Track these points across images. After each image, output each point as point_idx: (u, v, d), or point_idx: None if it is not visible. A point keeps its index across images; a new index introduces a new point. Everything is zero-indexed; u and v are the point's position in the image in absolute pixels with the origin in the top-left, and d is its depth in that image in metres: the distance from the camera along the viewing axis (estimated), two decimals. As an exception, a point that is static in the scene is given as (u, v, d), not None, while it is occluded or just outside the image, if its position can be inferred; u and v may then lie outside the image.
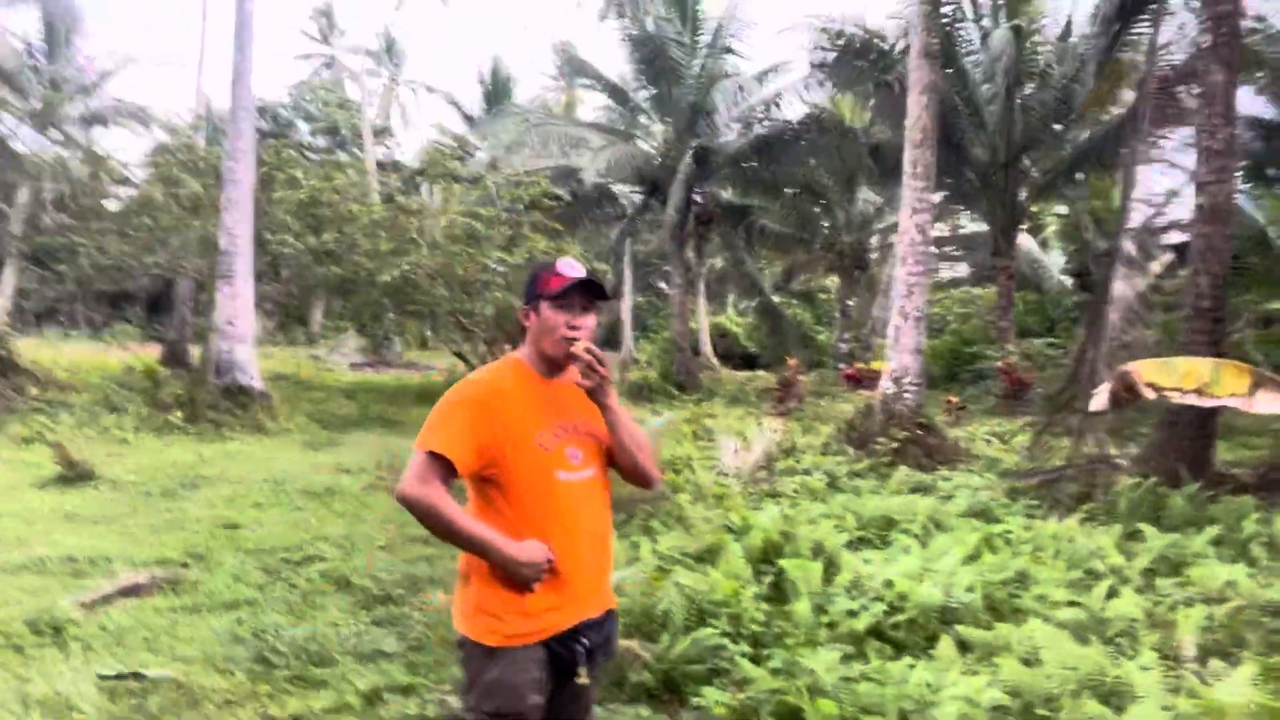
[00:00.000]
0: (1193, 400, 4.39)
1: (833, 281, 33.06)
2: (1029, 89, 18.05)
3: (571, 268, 2.26)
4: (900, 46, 15.42)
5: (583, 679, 2.24)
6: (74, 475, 7.99)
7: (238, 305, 12.36)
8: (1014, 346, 16.27)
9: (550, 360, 2.27)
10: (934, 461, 9.23)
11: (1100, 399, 4.86)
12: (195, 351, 20.08)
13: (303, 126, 44.10)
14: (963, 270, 31.53)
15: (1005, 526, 6.21)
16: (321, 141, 42.45)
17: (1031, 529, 6.25)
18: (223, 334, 12.35)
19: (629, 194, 23.60)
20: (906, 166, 9.89)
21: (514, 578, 2.14)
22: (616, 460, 2.38)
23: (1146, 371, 4.53)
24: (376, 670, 4.08)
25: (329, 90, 44.78)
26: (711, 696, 3.49)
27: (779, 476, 8.74)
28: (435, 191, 19.64)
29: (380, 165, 25.69)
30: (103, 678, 3.82)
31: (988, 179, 18.56)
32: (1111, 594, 4.79)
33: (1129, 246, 7.59)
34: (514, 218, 16.06)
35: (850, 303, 24.13)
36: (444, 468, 2.10)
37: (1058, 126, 18.97)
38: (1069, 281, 27.63)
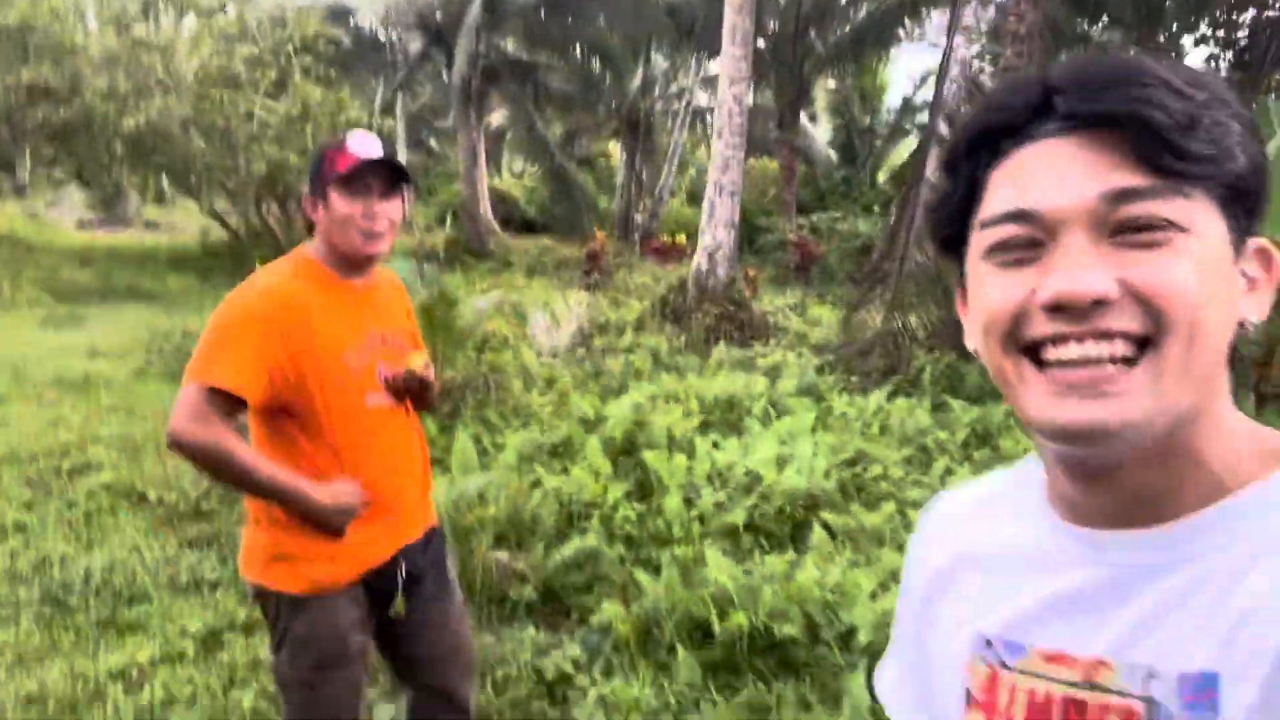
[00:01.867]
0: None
1: (613, 147, 32.65)
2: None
3: (364, 144, 1.86)
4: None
5: (399, 608, 1.97)
6: None
7: (-66, 151, 10.05)
8: (802, 220, 16.84)
9: (348, 258, 1.89)
10: (746, 336, 9.38)
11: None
12: None
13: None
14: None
15: (835, 405, 6.39)
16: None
17: (854, 404, 6.49)
18: (-84, 187, 10.05)
19: (405, 40, 21.59)
20: (725, 33, 9.53)
21: (323, 527, 1.84)
22: None
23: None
24: (204, 604, 3.51)
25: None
26: (611, 612, 3.26)
27: (599, 354, 8.54)
28: (172, 24, 16.87)
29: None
30: None
31: (777, 51, 18.64)
32: (948, 471, 5.07)
33: (941, 126, 7.78)
34: (279, 60, 14.16)
35: (645, 171, 23.89)
36: (227, 402, 1.74)
37: (841, 1, 19.28)
38: (834, 155, 28.99)
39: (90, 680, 2.93)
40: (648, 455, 4.79)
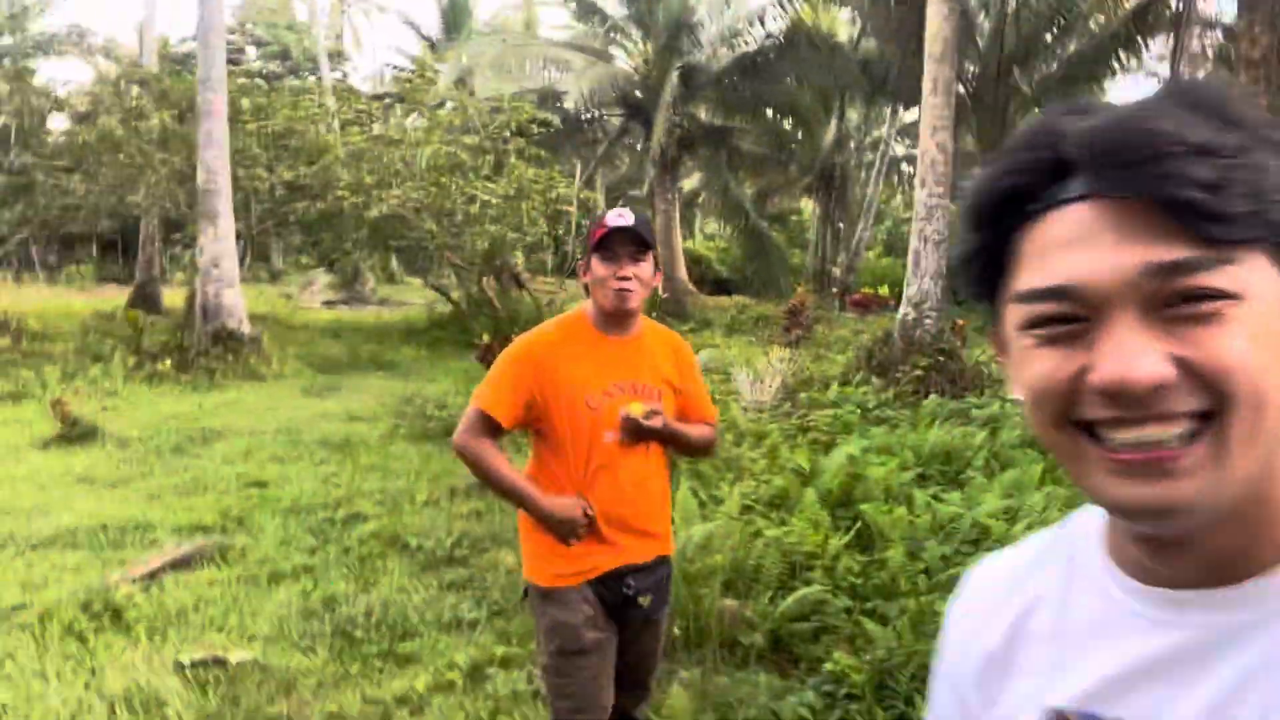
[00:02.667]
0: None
1: (805, 203, 32.69)
2: (1022, -2, 17.53)
3: (617, 216, 2.20)
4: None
5: (645, 604, 2.27)
6: (76, 434, 7.58)
7: (222, 247, 11.74)
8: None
9: (606, 313, 2.24)
10: (958, 388, 9.12)
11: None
12: (166, 294, 19.36)
13: (251, 51, 42.23)
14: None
15: (1063, 457, 6.11)
16: (273, 67, 40.77)
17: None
18: (208, 277, 11.77)
19: (605, 117, 22.88)
20: (926, 83, 9.52)
21: (551, 531, 2.20)
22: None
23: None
24: (467, 642, 3.87)
25: (276, 11, 42.82)
26: (844, 661, 3.32)
27: (805, 409, 8.58)
28: (402, 118, 18.77)
29: (344, 92, 24.54)
30: (183, 666, 3.56)
31: (979, 94, 18.18)
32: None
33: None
34: (497, 145, 15.42)
35: (841, 225, 23.79)
36: (491, 422, 2.20)
37: (1048, 38, 18.58)
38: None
39: (380, 704, 3.33)
40: (866, 507, 4.80)
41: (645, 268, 2.22)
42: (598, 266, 2.19)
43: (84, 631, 3.85)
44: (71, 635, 3.81)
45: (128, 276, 29.29)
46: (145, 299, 18.31)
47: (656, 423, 2.22)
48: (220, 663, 3.58)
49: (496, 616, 4.12)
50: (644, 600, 2.27)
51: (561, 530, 2.18)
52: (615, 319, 2.25)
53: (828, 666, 3.38)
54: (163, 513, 5.64)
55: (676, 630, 3.69)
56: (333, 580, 4.55)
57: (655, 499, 2.34)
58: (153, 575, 4.52)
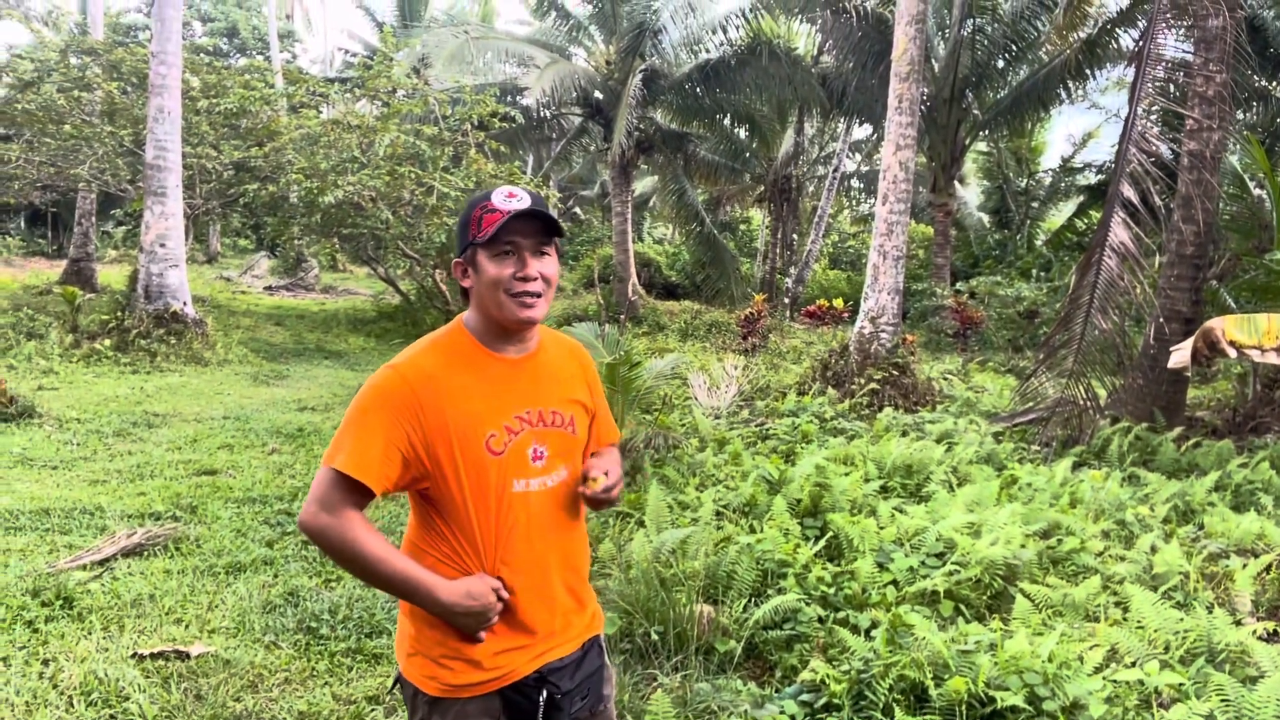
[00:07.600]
0: (1273, 359, 4.40)
1: (754, 213, 32.99)
2: (979, 21, 17.96)
3: (508, 198, 1.67)
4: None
5: (574, 710, 1.78)
6: (13, 412, 7.24)
7: (168, 225, 11.33)
8: (961, 285, 16.51)
9: (501, 325, 1.71)
10: (910, 402, 9.28)
11: (1181, 355, 4.84)
12: (101, 272, 18.69)
13: (197, 27, 41.01)
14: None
15: (1018, 474, 6.25)
16: (220, 44, 39.70)
17: (1040, 475, 6.32)
18: (152, 256, 11.35)
19: (564, 115, 22.74)
20: (891, 100, 9.67)
21: (456, 626, 1.67)
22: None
23: (1228, 329, 4.52)
24: (437, 640, 3.78)
25: (225, -13, 41.69)
26: (822, 670, 3.33)
27: (763, 416, 8.64)
28: (354, 104, 18.39)
29: (295, 74, 23.95)
30: (140, 657, 3.42)
31: (933, 115, 18.56)
32: (1153, 549, 4.87)
33: (1125, 190, 7.60)
34: (456, 138, 15.22)
35: (795, 237, 24.03)
36: (357, 489, 1.60)
37: (1000, 63, 19.06)
38: (986, 219, 28.30)
39: (351, 704, 3.24)
40: (834, 518, 4.84)
41: (551, 264, 1.72)
42: (489, 266, 1.66)
43: (35, 619, 3.67)
44: (21, 623, 3.63)
45: (56, 251, 28.21)
46: (79, 276, 17.65)
47: (611, 494, 1.78)
48: (181, 655, 3.45)
49: (466, 616, 4.04)
50: (574, 706, 1.80)
51: (471, 623, 1.66)
52: (512, 331, 1.73)
53: (805, 675, 3.38)
54: (110, 498, 5.41)
55: (655, 635, 3.66)
56: (294, 574, 4.42)
57: (579, 564, 1.85)
58: (104, 563, 4.33)
